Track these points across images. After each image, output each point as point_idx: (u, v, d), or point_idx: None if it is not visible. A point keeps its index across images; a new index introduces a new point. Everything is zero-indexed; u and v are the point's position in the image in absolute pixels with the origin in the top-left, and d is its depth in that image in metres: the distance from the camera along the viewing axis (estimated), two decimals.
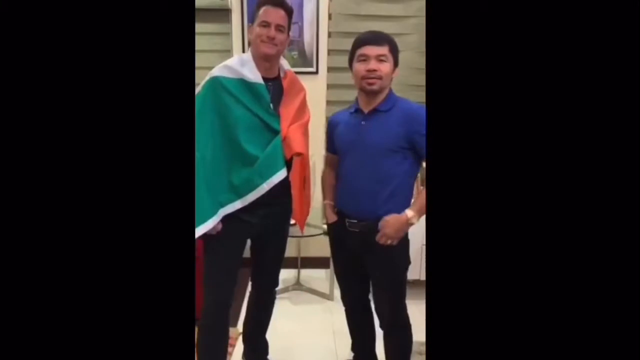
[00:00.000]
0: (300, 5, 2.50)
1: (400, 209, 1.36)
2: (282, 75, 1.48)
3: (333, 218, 1.53)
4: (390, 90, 1.43)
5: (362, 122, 1.41)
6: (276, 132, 1.40)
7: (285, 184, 1.43)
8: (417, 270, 2.37)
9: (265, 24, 1.34)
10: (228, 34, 2.58)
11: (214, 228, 1.36)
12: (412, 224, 1.35)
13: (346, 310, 1.68)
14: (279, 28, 1.35)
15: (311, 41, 2.58)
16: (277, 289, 1.71)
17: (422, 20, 2.49)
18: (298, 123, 1.46)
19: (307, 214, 1.62)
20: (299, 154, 1.41)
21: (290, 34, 1.44)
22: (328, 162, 1.61)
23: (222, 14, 2.55)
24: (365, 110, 1.42)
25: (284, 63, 1.49)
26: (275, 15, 1.34)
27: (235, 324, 2.12)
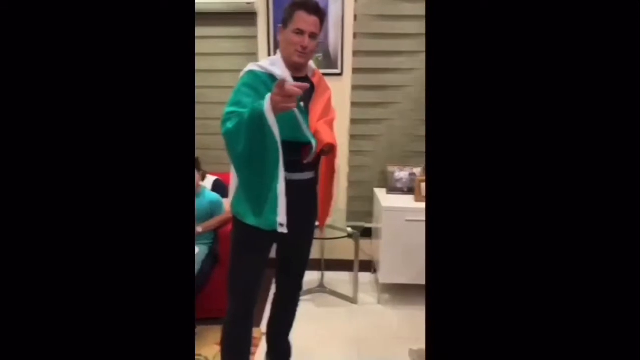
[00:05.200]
0: (326, 7, 2.50)
1: None
2: (310, 74, 1.50)
3: None
4: None
5: None
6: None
7: (312, 184, 1.43)
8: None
9: (299, 32, 1.34)
10: (255, 37, 2.61)
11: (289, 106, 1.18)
12: None
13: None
14: (312, 36, 1.36)
15: (336, 42, 2.58)
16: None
17: None
18: (325, 119, 1.48)
19: (329, 212, 1.61)
20: (330, 145, 1.41)
21: None
22: None
23: (248, 17, 2.59)
24: None
25: (310, 63, 1.51)
26: (310, 22, 1.34)
27: (258, 324, 2.14)
